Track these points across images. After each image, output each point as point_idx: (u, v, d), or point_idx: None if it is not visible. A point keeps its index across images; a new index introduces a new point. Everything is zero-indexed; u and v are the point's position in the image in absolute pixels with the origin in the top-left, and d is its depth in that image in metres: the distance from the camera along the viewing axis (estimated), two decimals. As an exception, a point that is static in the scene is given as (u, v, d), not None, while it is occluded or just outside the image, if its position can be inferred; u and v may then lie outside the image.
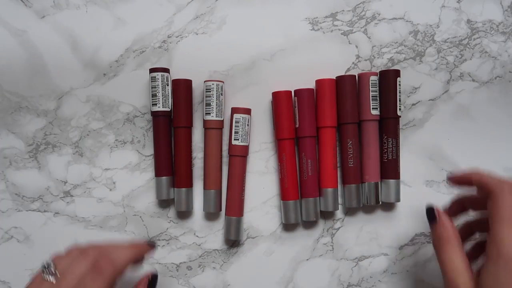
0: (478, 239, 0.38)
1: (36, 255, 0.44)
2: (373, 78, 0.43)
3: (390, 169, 0.44)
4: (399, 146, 0.44)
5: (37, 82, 0.44)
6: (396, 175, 0.44)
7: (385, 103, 0.43)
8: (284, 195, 0.43)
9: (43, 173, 0.44)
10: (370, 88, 0.43)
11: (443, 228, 0.34)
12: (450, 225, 0.34)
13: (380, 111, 0.44)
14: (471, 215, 0.38)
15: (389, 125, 0.43)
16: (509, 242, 0.29)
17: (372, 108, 0.43)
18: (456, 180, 0.36)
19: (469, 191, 0.36)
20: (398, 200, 0.44)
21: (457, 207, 0.38)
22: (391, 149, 0.43)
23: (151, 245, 0.37)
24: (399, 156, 0.44)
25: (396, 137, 0.43)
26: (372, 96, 0.43)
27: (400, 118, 0.44)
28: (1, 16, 0.44)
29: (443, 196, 0.45)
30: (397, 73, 0.43)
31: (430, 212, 0.36)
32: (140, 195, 0.45)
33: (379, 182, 0.44)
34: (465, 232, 0.38)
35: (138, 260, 0.36)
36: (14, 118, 0.44)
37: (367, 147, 0.44)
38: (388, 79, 0.43)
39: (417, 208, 0.45)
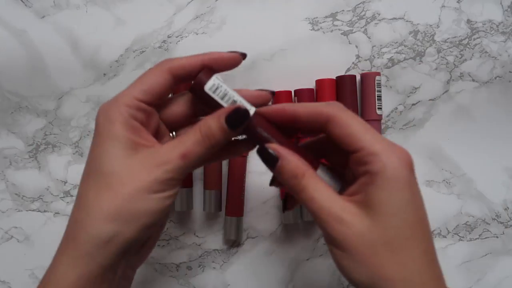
0: None
1: (36, 255, 0.44)
2: (378, 78, 0.43)
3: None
4: None
5: (37, 82, 0.44)
6: None
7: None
8: (284, 195, 0.43)
9: (43, 173, 0.44)
10: (376, 88, 0.43)
11: (292, 163, 0.26)
12: (296, 157, 0.27)
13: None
14: None
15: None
16: (388, 159, 0.24)
17: (377, 108, 0.43)
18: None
19: None
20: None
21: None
22: None
23: (242, 55, 0.30)
24: None
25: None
26: (377, 96, 0.43)
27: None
28: (1, 16, 0.44)
29: (443, 196, 0.45)
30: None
31: (265, 153, 0.27)
32: (140, 195, 0.45)
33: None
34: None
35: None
36: (14, 118, 0.44)
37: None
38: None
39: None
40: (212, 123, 0.27)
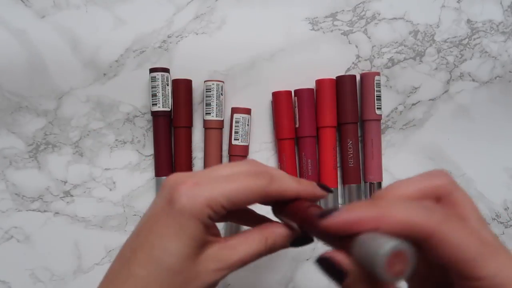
0: None
1: (36, 255, 0.44)
2: (378, 78, 0.43)
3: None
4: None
5: (37, 82, 0.44)
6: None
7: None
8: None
9: (43, 173, 0.44)
10: (375, 87, 0.43)
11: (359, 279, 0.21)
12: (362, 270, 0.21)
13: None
14: None
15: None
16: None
17: (377, 108, 0.43)
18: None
19: None
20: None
21: None
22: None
23: (324, 190, 0.28)
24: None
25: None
26: (377, 96, 0.43)
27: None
28: (1, 16, 0.44)
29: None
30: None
31: (328, 265, 0.23)
32: (140, 195, 0.45)
33: (382, 183, 0.44)
34: None
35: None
36: (14, 118, 0.44)
37: (370, 146, 0.44)
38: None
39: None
40: (279, 239, 0.27)
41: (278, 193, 0.26)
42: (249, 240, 0.26)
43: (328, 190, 0.28)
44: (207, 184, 0.24)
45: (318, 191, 0.27)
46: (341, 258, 0.22)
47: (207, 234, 0.25)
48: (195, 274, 0.24)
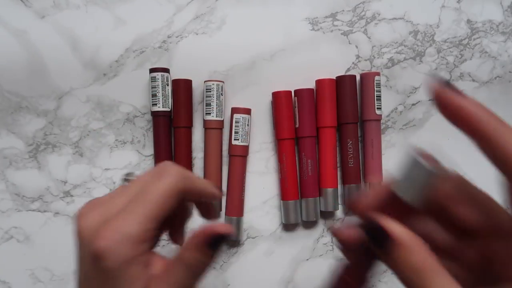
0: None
1: (36, 255, 0.44)
2: (378, 78, 0.43)
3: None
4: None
5: (37, 82, 0.44)
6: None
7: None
8: (284, 195, 0.43)
9: (43, 173, 0.44)
10: (375, 88, 0.43)
11: (418, 255, 0.19)
12: (420, 242, 0.20)
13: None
14: None
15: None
16: None
17: (377, 108, 0.43)
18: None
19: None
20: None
21: None
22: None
23: (219, 193, 0.29)
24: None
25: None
26: (376, 96, 0.43)
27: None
28: (1, 16, 0.44)
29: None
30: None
31: (375, 231, 0.20)
32: (140, 195, 0.45)
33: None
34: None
35: (197, 193, 0.26)
36: (14, 118, 0.44)
37: (370, 147, 0.44)
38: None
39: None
40: (198, 256, 0.24)
41: (190, 190, 0.25)
42: (173, 272, 0.24)
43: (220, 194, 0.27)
44: (126, 221, 0.22)
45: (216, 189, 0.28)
46: (389, 224, 0.20)
47: (151, 269, 0.23)
48: None
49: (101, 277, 0.22)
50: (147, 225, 0.22)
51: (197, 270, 0.24)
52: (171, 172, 0.24)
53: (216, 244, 0.23)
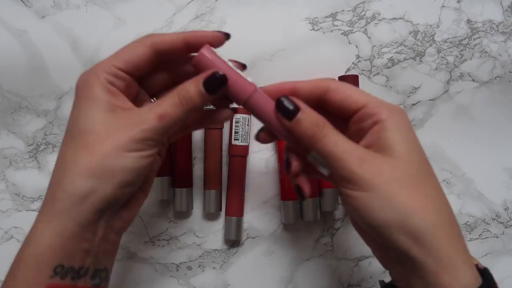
0: None
1: (36, 255, 0.44)
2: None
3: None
4: None
5: (37, 82, 0.44)
6: None
7: None
8: (284, 195, 0.43)
9: (43, 173, 0.44)
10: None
11: (313, 113, 0.27)
12: (315, 112, 0.28)
13: None
14: None
15: None
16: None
17: None
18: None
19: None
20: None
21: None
22: None
23: (224, 35, 0.31)
24: None
25: None
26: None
27: None
28: (1, 16, 0.44)
29: (443, 196, 0.45)
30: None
31: (286, 104, 0.28)
32: (140, 195, 0.45)
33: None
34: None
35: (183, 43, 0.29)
36: (14, 118, 0.44)
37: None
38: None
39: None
40: (190, 87, 0.27)
41: (163, 41, 0.29)
42: (161, 99, 0.28)
43: (224, 33, 0.30)
44: (102, 60, 0.28)
45: (209, 33, 0.30)
46: (295, 99, 0.28)
47: (116, 100, 0.27)
48: (110, 132, 0.26)
49: (75, 99, 0.28)
50: (115, 63, 0.28)
51: (187, 104, 0.27)
52: (142, 38, 0.30)
53: (212, 84, 0.28)
